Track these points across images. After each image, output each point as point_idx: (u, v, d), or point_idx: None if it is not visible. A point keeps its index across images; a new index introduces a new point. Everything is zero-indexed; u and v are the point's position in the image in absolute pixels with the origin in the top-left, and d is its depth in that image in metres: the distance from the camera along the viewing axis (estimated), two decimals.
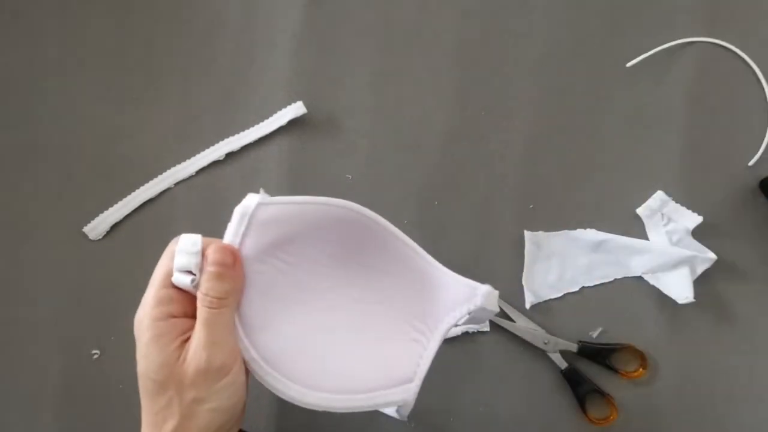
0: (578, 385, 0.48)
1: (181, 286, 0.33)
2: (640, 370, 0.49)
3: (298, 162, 0.52)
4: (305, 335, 0.35)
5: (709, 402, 0.49)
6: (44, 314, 0.51)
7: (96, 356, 0.51)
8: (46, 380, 0.50)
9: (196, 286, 0.33)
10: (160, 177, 0.52)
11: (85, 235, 0.51)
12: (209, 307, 0.32)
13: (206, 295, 0.32)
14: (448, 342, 0.50)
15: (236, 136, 0.52)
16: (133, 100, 0.53)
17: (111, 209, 0.52)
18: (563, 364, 0.49)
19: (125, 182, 0.52)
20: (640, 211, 0.50)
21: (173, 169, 0.52)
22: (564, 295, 0.50)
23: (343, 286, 0.37)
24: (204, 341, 0.32)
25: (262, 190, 0.36)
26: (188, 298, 0.33)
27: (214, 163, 0.52)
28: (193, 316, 0.33)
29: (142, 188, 0.52)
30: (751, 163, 0.51)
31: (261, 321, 0.34)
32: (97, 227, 0.51)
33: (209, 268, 0.32)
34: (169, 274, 0.33)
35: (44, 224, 0.52)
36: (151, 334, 0.32)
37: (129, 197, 0.52)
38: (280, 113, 0.52)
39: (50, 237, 0.52)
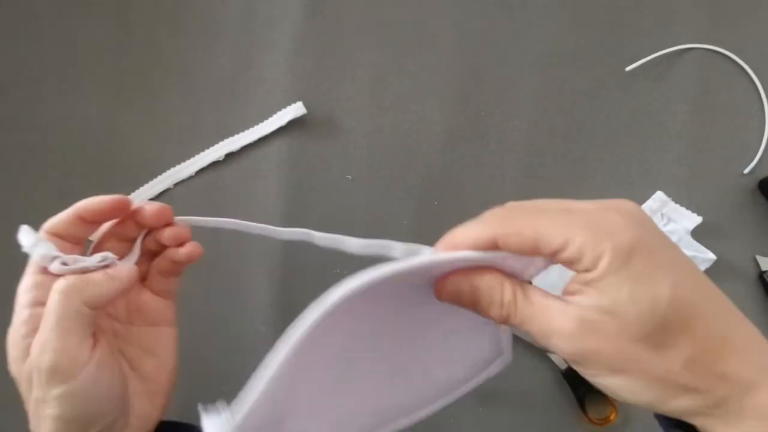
0: (578, 385, 0.48)
1: (53, 271, 0.29)
2: None
3: (298, 162, 0.52)
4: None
5: None
6: None
7: None
8: None
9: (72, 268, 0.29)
10: (160, 177, 0.52)
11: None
12: (59, 292, 0.28)
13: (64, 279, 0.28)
14: None
15: (236, 136, 0.52)
16: (133, 100, 0.53)
17: None
18: (563, 364, 0.49)
19: (125, 183, 0.52)
20: None
21: (173, 170, 0.52)
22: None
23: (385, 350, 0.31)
24: (40, 335, 0.28)
25: None
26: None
27: (214, 164, 0.52)
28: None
29: (141, 188, 0.52)
30: (749, 167, 0.51)
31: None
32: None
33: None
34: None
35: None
36: (11, 323, 0.29)
37: (129, 197, 0.52)
38: (280, 113, 0.52)
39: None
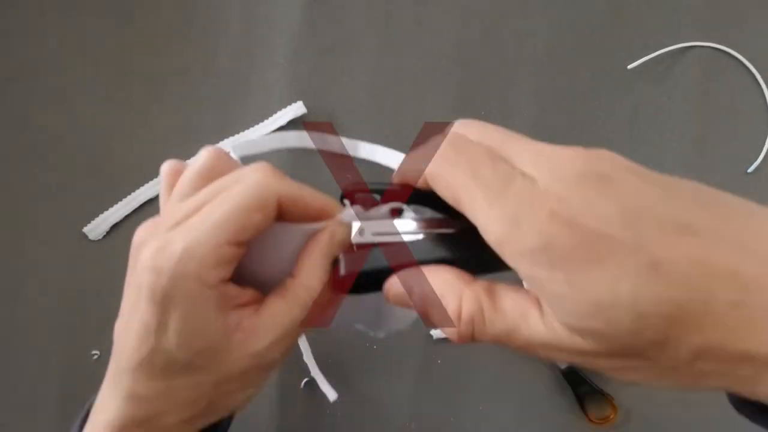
0: (578, 385, 0.48)
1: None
2: None
3: (298, 162, 0.52)
4: None
5: (709, 402, 0.49)
6: (44, 314, 0.51)
7: (96, 356, 0.51)
8: (46, 380, 0.50)
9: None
10: (160, 177, 0.52)
11: (85, 236, 0.51)
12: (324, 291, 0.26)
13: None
14: (449, 342, 0.50)
15: (236, 136, 0.52)
16: (133, 100, 0.53)
17: (111, 209, 0.52)
18: (563, 364, 0.49)
19: (125, 182, 0.52)
20: None
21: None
22: None
23: None
24: (283, 333, 0.26)
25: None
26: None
27: None
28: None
29: (142, 188, 0.52)
30: (753, 166, 0.51)
31: None
32: (97, 227, 0.51)
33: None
34: (252, 219, 0.25)
35: (44, 224, 0.52)
36: (193, 304, 0.24)
37: (129, 197, 0.52)
38: (279, 113, 0.52)
39: (50, 237, 0.52)
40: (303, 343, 0.49)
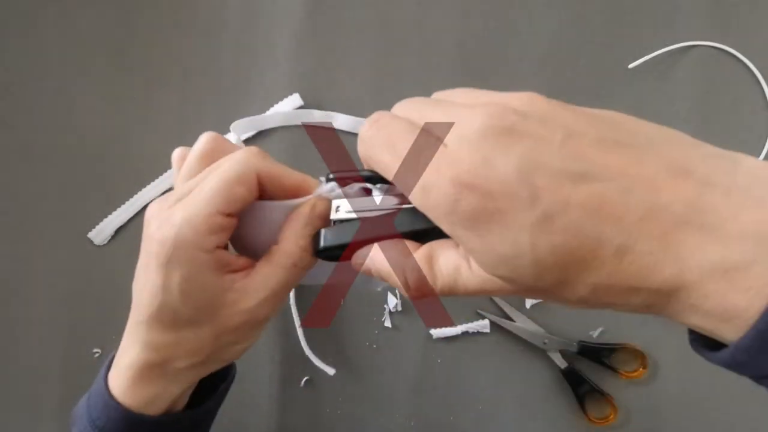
0: (578, 384, 0.48)
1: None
2: (640, 369, 0.49)
3: (297, 162, 0.52)
4: None
5: (709, 402, 0.49)
6: (46, 315, 0.51)
7: (97, 355, 0.51)
8: (48, 380, 0.51)
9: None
10: (161, 178, 0.52)
11: (90, 240, 0.52)
12: (305, 256, 0.30)
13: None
14: (448, 342, 0.50)
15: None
16: (133, 99, 0.53)
17: (114, 213, 0.52)
18: (563, 364, 0.49)
19: (126, 184, 0.52)
20: None
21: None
22: None
23: None
24: (271, 293, 0.30)
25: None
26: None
27: None
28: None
29: (143, 190, 0.52)
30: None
31: None
32: (101, 232, 0.51)
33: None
34: (236, 193, 0.29)
35: (49, 228, 0.52)
36: (192, 267, 0.29)
37: (131, 200, 0.52)
38: (277, 105, 0.52)
39: (55, 241, 0.52)
40: (295, 313, 0.49)
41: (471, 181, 0.21)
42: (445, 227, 0.23)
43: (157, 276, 0.29)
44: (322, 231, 0.30)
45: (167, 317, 0.30)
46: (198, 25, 0.54)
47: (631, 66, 0.52)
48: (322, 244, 0.29)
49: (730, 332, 0.19)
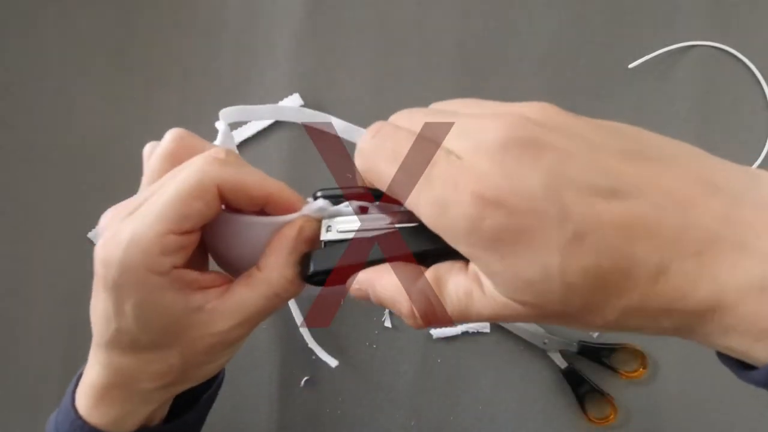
0: (578, 384, 0.48)
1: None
2: (640, 370, 0.49)
3: (298, 162, 0.52)
4: None
5: (709, 402, 0.49)
6: (46, 315, 0.51)
7: None
8: (48, 380, 0.51)
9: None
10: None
11: (90, 240, 0.52)
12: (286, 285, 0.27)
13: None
14: (448, 342, 0.50)
15: (236, 132, 0.52)
16: (133, 99, 0.53)
17: None
18: (563, 364, 0.49)
19: (126, 184, 0.52)
20: None
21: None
22: None
23: None
24: (246, 318, 0.27)
25: None
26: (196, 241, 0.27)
27: None
28: (195, 267, 0.27)
29: None
30: (754, 165, 0.51)
31: None
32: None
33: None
34: (191, 208, 0.25)
35: (49, 228, 0.52)
36: (145, 291, 0.25)
37: None
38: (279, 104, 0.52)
39: (55, 241, 0.52)
40: (295, 310, 0.49)
41: (496, 197, 0.19)
42: (462, 248, 0.21)
43: (107, 301, 0.26)
44: (313, 254, 0.27)
45: (125, 342, 0.27)
46: (198, 25, 0.54)
47: (631, 66, 0.52)
48: (312, 269, 0.26)
49: (765, 352, 0.18)
